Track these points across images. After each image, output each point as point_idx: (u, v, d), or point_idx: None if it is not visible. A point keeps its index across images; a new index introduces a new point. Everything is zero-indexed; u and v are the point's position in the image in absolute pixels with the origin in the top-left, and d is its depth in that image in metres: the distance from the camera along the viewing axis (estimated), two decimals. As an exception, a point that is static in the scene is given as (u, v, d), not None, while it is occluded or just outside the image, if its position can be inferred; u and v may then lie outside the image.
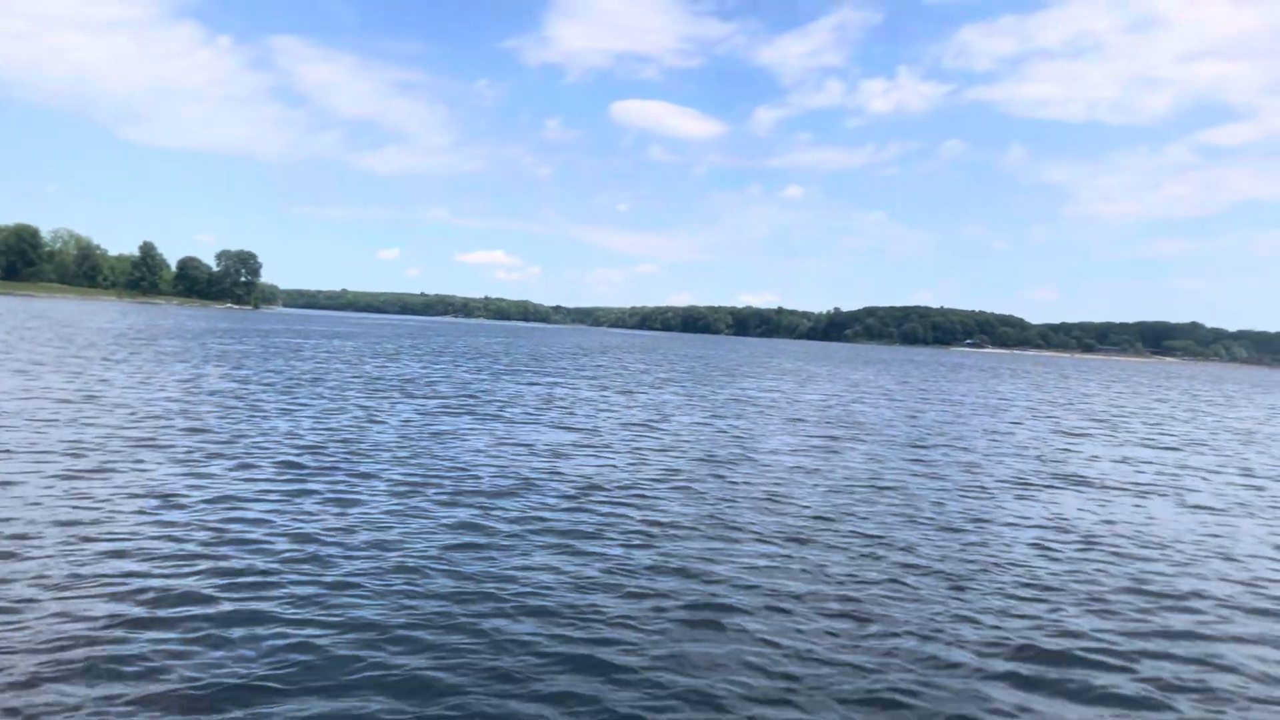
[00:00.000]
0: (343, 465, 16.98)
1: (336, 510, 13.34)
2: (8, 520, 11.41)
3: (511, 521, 13.30)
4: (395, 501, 14.18)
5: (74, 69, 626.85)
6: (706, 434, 25.31)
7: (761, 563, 11.88)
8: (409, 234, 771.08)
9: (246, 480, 15.05)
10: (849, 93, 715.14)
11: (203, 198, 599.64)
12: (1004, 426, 33.69)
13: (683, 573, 11.17)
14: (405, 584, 10.04)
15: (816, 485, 17.80)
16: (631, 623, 9.34)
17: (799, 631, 9.38)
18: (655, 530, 13.34)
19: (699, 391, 43.06)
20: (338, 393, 31.15)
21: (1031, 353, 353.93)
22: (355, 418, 24.28)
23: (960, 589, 11.17)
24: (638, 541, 12.62)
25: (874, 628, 9.61)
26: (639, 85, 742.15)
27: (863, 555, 12.52)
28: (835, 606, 10.24)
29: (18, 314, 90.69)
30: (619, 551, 12.03)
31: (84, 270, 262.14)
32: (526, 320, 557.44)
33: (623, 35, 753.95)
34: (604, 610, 9.66)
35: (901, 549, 13.01)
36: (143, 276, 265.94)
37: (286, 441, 19.23)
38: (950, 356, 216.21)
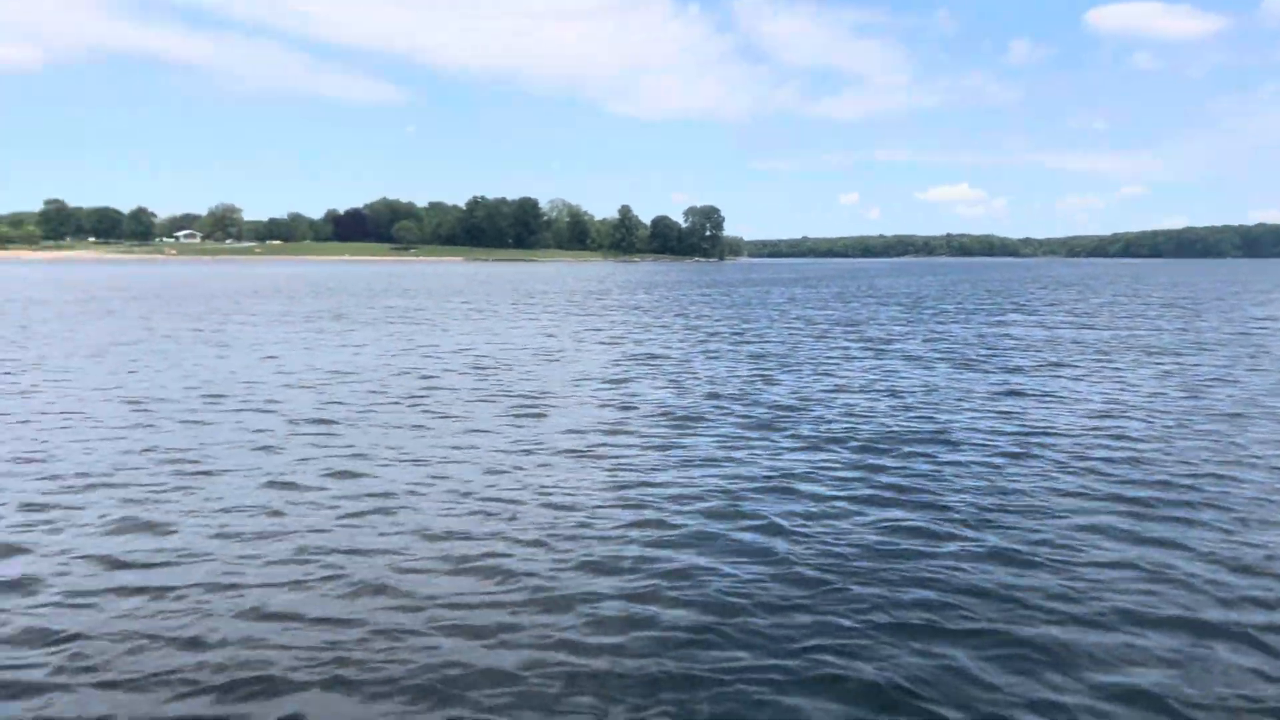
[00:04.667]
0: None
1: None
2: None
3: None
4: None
5: (565, 56, 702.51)
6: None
7: None
8: (867, 177, 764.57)
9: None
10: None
11: (676, 160, 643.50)
12: None
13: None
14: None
15: None
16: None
17: None
18: None
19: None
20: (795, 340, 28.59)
21: None
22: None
23: None
24: None
25: None
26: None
27: None
28: None
29: (522, 277, 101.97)
30: None
31: (575, 235, 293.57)
32: (992, 255, 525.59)
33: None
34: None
35: None
36: (622, 237, 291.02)
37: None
38: None
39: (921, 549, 8.60)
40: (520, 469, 11.67)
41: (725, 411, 15.99)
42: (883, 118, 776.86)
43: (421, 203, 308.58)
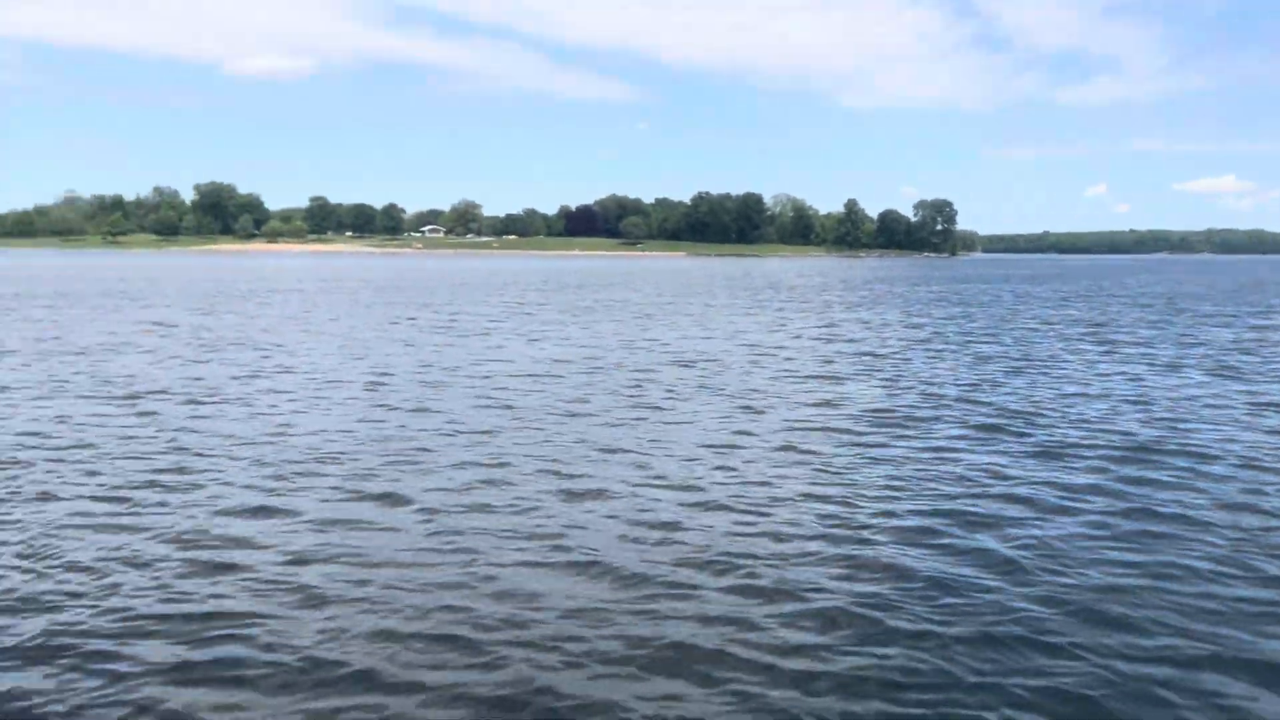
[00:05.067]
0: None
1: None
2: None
3: None
4: None
5: (796, 48, 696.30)
6: None
7: None
8: (1117, 168, 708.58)
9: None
10: None
11: (907, 153, 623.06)
12: None
13: None
14: None
15: None
16: None
17: None
18: None
19: None
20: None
21: None
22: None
23: None
24: None
25: None
26: None
27: None
28: None
29: (742, 272, 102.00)
30: None
31: (799, 229, 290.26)
32: (1263, 253, 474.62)
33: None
34: None
35: None
36: (847, 232, 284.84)
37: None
38: None
39: (1169, 580, 7.86)
40: (732, 465, 11.65)
41: (949, 414, 15.30)
42: (1136, 104, 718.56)
43: (649, 198, 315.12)
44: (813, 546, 8.51)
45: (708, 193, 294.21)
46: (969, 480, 10.93)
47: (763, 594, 7.37)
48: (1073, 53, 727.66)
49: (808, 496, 10.24)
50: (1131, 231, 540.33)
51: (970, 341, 27.84)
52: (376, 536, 8.69)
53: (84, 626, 6.60)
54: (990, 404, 16.28)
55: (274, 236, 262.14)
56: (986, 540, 8.71)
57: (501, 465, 11.41)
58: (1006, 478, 11.08)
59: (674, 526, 9.05)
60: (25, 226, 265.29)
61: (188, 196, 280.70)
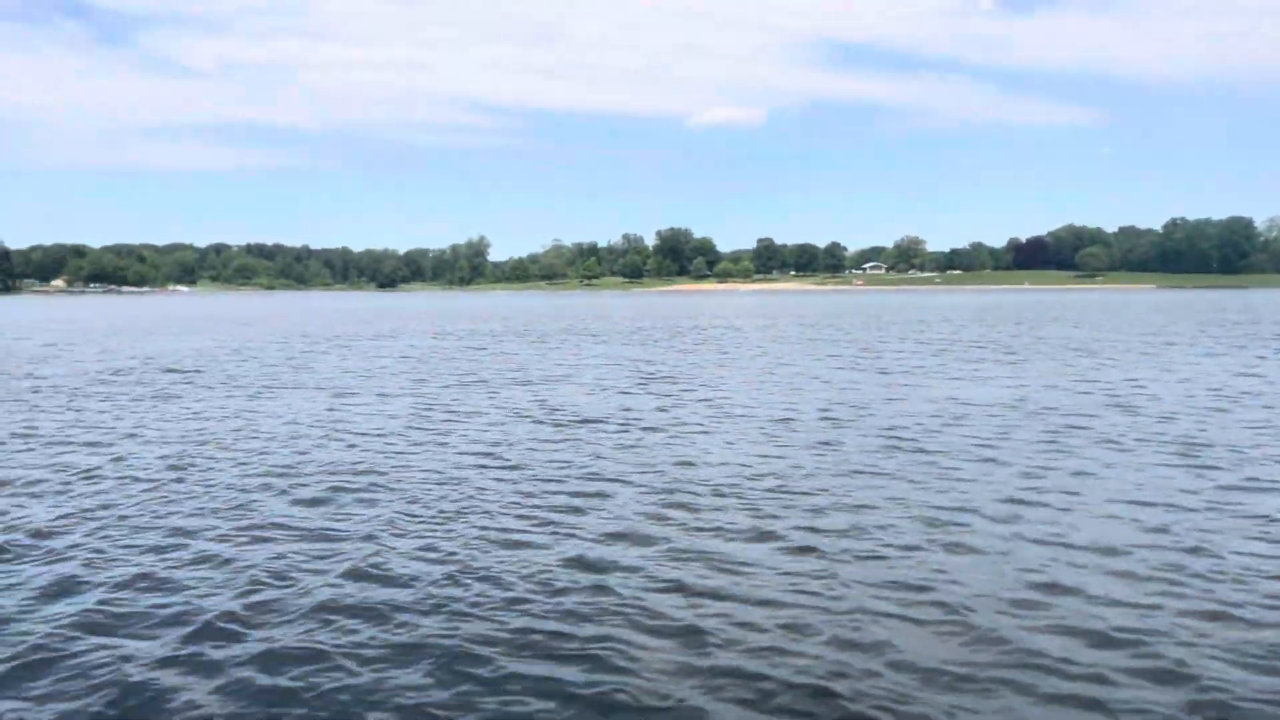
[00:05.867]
0: None
1: None
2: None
3: None
4: None
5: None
6: None
7: None
8: None
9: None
10: None
11: None
12: None
13: None
14: None
15: None
16: None
17: None
18: None
19: None
20: None
21: None
22: None
23: None
24: None
25: None
26: None
27: None
28: None
29: (1223, 308, 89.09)
30: None
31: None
32: None
33: None
34: None
35: None
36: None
37: None
38: None
39: None
40: (1164, 526, 10.15)
41: None
42: None
43: (1111, 228, 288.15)
44: (1259, 637, 7.12)
45: (1183, 218, 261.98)
46: None
47: (1161, 679, 6.31)
48: None
49: (1259, 574, 8.58)
50: None
51: None
52: (741, 571, 8.78)
53: (483, 636, 7.31)
54: None
55: (724, 277, 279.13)
56: None
57: (892, 505, 10.99)
58: None
59: (1070, 591, 8.07)
60: (520, 272, 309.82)
61: (650, 241, 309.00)
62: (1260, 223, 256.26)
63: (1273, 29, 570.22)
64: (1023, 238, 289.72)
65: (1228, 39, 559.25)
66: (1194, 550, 9.21)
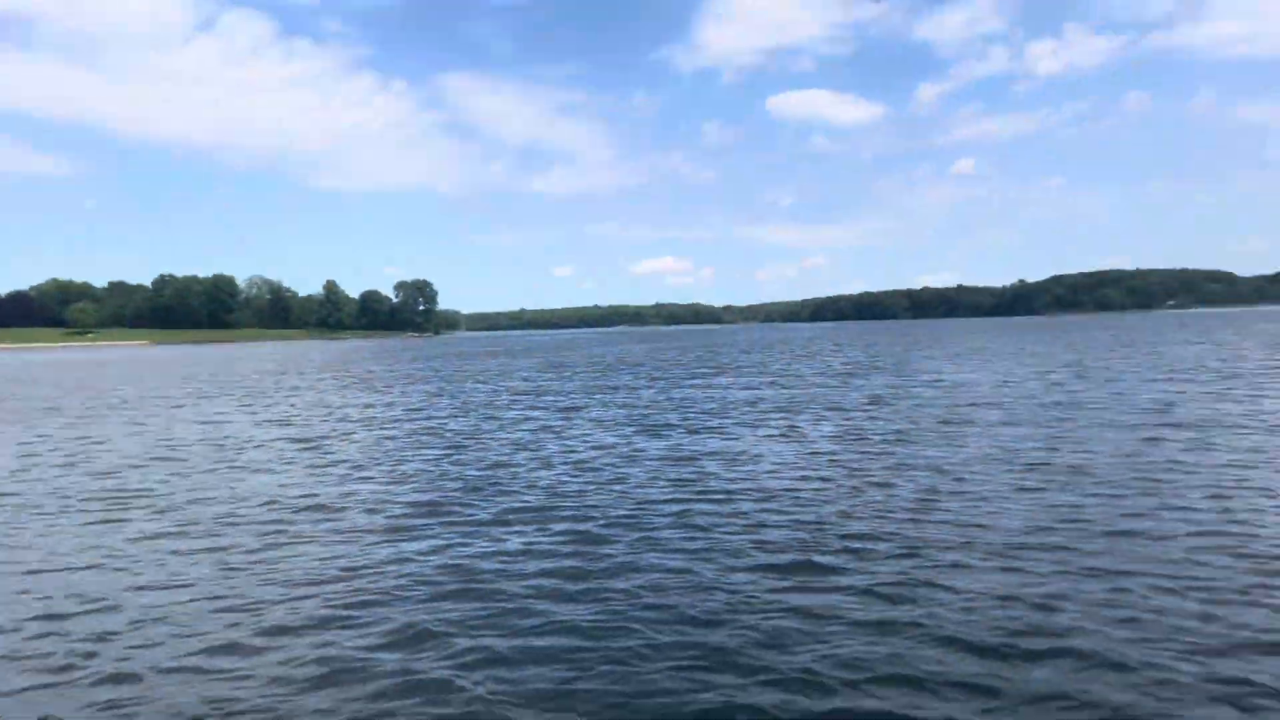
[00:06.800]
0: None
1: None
2: None
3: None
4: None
5: (264, 130, 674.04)
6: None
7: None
8: (581, 250, 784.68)
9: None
10: (1014, 58, 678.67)
11: (389, 234, 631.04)
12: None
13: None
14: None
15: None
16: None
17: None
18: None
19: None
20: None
21: (1247, 308, 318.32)
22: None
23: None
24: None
25: None
26: (794, 78, 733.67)
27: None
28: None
29: (201, 360, 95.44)
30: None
31: (277, 313, 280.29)
32: (699, 323, 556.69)
33: (772, 31, 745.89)
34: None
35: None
36: (328, 314, 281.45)
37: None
38: (1157, 319, 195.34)
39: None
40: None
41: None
42: (592, 193, 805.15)
43: (100, 283, 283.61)
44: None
45: (172, 275, 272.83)
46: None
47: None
48: (534, 145, 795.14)
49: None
50: (596, 306, 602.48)
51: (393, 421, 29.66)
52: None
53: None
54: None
55: None
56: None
57: None
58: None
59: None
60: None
61: None
62: (241, 281, 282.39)
63: (244, 102, 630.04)
64: (2, 293, 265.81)
65: (207, 106, 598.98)
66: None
